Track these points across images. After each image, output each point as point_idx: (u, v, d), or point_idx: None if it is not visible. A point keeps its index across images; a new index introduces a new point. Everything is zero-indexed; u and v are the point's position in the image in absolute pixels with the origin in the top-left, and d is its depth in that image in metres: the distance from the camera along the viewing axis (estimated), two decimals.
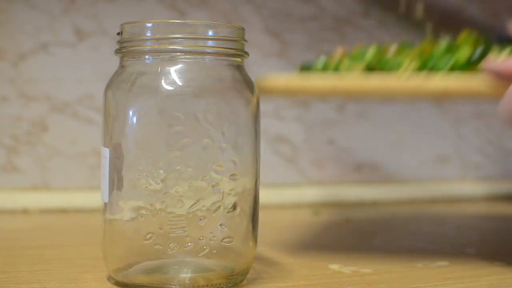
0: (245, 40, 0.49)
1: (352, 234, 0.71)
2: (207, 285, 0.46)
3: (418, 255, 0.60)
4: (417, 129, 0.95)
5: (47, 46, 0.81)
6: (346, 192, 0.90)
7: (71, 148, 0.82)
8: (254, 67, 0.88)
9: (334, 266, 0.55)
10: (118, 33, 0.48)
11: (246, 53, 0.49)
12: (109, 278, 0.49)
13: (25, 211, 0.79)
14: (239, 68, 0.49)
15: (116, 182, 0.47)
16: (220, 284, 0.46)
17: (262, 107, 0.88)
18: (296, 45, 0.89)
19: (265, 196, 0.87)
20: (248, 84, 0.49)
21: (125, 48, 0.47)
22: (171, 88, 0.46)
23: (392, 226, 0.76)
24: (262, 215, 0.81)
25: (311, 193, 0.89)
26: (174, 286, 0.45)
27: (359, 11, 0.92)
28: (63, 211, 0.78)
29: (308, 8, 0.90)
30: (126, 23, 0.48)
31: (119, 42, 0.48)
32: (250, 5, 0.87)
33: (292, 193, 0.88)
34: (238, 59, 0.49)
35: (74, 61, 0.81)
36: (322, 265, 0.55)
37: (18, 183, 0.81)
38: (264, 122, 0.90)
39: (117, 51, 0.48)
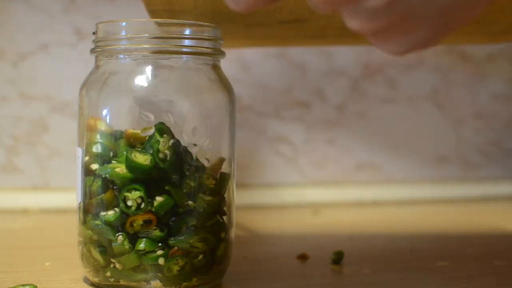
0: (222, 40, 0.48)
1: (353, 234, 0.71)
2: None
3: (418, 255, 0.60)
4: (417, 129, 0.95)
5: (47, 46, 0.81)
6: (346, 192, 0.90)
7: (71, 148, 0.82)
8: (255, 67, 0.88)
9: (334, 266, 0.55)
10: (94, 33, 0.48)
11: (222, 53, 0.48)
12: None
13: (25, 211, 0.79)
14: (215, 67, 0.48)
15: None
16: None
17: (262, 107, 0.89)
18: None
19: (265, 196, 0.88)
20: (223, 83, 0.48)
21: (99, 48, 0.47)
22: (142, 87, 0.46)
23: (392, 226, 0.76)
24: (262, 215, 0.81)
25: (311, 193, 0.89)
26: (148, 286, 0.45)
27: None
28: (63, 211, 0.78)
29: None
30: (101, 22, 0.48)
31: (94, 41, 0.48)
32: None
33: (292, 193, 0.88)
34: (214, 59, 0.48)
35: (74, 61, 0.81)
36: (322, 265, 0.55)
37: (18, 183, 0.81)
38: (264, 122, 0.90)
39: (92, 51, 0.48)
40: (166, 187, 0.45)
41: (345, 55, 0.91)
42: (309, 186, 0.90)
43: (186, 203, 0.45)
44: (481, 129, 0.98)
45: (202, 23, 0.47)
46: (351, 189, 0.91)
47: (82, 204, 0.47)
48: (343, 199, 0.90)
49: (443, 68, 0.96)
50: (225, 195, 0.48)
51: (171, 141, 0.45)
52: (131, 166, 0.45)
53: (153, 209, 0.45)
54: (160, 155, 0.45)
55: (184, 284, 0.46)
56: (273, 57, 0.89)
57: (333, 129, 0.92)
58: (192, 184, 0.45)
